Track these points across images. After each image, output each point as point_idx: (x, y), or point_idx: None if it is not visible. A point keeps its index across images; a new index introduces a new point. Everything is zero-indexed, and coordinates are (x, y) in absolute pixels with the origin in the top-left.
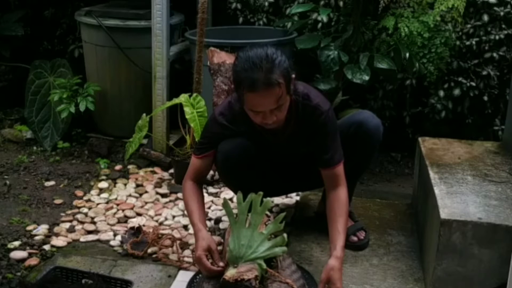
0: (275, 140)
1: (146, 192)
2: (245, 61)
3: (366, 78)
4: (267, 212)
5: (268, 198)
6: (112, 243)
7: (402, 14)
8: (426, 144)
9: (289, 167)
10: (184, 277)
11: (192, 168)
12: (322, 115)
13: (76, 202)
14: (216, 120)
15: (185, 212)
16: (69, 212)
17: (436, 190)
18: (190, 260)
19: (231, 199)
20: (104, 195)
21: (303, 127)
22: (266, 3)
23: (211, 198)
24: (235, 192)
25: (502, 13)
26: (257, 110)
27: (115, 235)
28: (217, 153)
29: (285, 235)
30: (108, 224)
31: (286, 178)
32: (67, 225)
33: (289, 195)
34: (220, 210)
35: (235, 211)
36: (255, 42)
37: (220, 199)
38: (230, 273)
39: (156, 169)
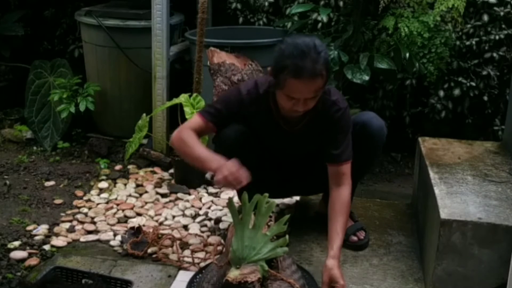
0: (288, 128)
1: (146, 192)
2: (294, 48)
3: (366, 78)
4: None
5: (271, 199)
6: (112, 243)
7: (402, 14)
8: (426, 144)
9: (291, 166)
10: (184, 277)
11: (196, 125)
12: (339, 111)
13: (76, 202)
14: (240, 93)
15: (185, 212)
16: (69, 212)
17: (436, 190)
18: (190, 260)
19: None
20: (104, 195)
21: (319, 120)
22: (266, 3)
23: (211, 198)
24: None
25: (502, 13)
26: (294, 97)
27: (115, 235)
28: (217, 136)
29: (286, 236)
30: (108, 224)
31: (286, 178)
32: (67, 225)
33: None
34: (220, 210)
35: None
36: (255, 42)
37: (220, 199)
38: (233, 274)
39: (156, 169)
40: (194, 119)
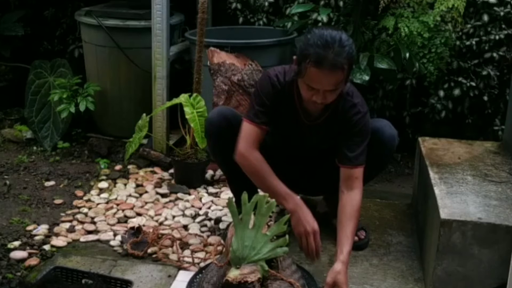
0: (307, 122)
1: (146, 192)
2: (319, 37)
3: (366, 78)
4: None
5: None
6: (112, 243)
7: (402, 14)
8: (426, 144)
9: (298, 163)
10: (184, 277)
11: (256, 137)
12: (359, 114)
13: (76, 202)
14: (270, 79)
15: (185, 212)
16: (69, 212)
17: (436, 190)
18: (190, 260)
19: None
20: (104, 195)
21: (338, 119)
22: (266, 3)
23: (211, 198)
24: (224, 168)
25: (502, 13)
26: (314, 87)
27: (115, 235)
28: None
29: (286, 236)
30: (108, 224)
31: (289, 174)
32: (67, 225)
33: None
34: (220, 210)
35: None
36: (255, 42)
37: (220, 199)
38: (233, 274)
39: (156, 169)
40: (249, 130)
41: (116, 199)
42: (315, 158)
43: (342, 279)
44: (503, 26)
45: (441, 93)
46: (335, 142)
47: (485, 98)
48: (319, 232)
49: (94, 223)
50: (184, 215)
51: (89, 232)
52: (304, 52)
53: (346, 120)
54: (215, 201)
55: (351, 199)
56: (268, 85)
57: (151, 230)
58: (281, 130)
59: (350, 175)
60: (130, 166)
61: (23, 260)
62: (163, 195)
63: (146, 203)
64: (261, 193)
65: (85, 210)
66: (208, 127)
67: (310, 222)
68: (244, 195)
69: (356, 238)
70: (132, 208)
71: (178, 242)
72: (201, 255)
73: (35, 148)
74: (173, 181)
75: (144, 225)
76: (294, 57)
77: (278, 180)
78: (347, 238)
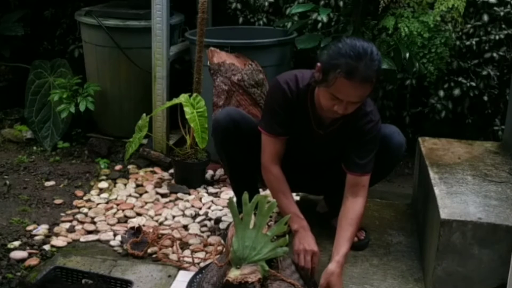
0: (319, 129)
1: (146, 192)
2: (351, 48)
3: None
4: None
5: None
6: (112, 243)
7: (402, 14)
8: (426, 144)
9: (302, 166)
10: (184, 277)
11: (275, 150)
12: (371, 123)
13: (76, 202)
14: (280, 87)
15: (185, 212)
16: (69, 212)
17: (436, 190)
18: (190, 260)
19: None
20: (104, 195)
21: (350, 128)
22: (266, 3)
23: (211, 198)
24: (227, 167)
25: (502, 13)
26: (339, 97)
27: (115, 235)
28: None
29: (286, 236)
30: (108, 224)
31: (291, 174)
32: (67, 225)
33: None
34: (220, 210)
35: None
36: (255, 42)
37: (220, 199)
38: (234, 275)
39: (156, 169)
40: (268, 143)
41: (116, 199)
42: (323, 163)
43: (336, 281)
44: (503, 26)
45: (441, 93)
46: (345, 149)
47: (485, 98)
48: (318, 254)
49: (94, 223)
50: (184, 215)
51: (89, 232)
52: (333, 62)
53: (358, 129)
54: (215, 201)
55: (354, 206)
56: (279, 94)
57: (151, 230)
58: (291, 136)
59: (357, 182)
60: (130, 166)
61: (23, 260)
62: (163, 195)
63: (146, 203)
64: (262, 193)
65: (85, 210)
66: (215, 127)
67: (311, 244)
68: (245, 195)
69: (355, 238)
70: (132, 208)
71: (178, 242)
72: (201, 255)
73: (35, 148)
74: (173, 181)
75: (144, 225)
76: (318, 64)
77: (290, 200)
78: (346, 241)
